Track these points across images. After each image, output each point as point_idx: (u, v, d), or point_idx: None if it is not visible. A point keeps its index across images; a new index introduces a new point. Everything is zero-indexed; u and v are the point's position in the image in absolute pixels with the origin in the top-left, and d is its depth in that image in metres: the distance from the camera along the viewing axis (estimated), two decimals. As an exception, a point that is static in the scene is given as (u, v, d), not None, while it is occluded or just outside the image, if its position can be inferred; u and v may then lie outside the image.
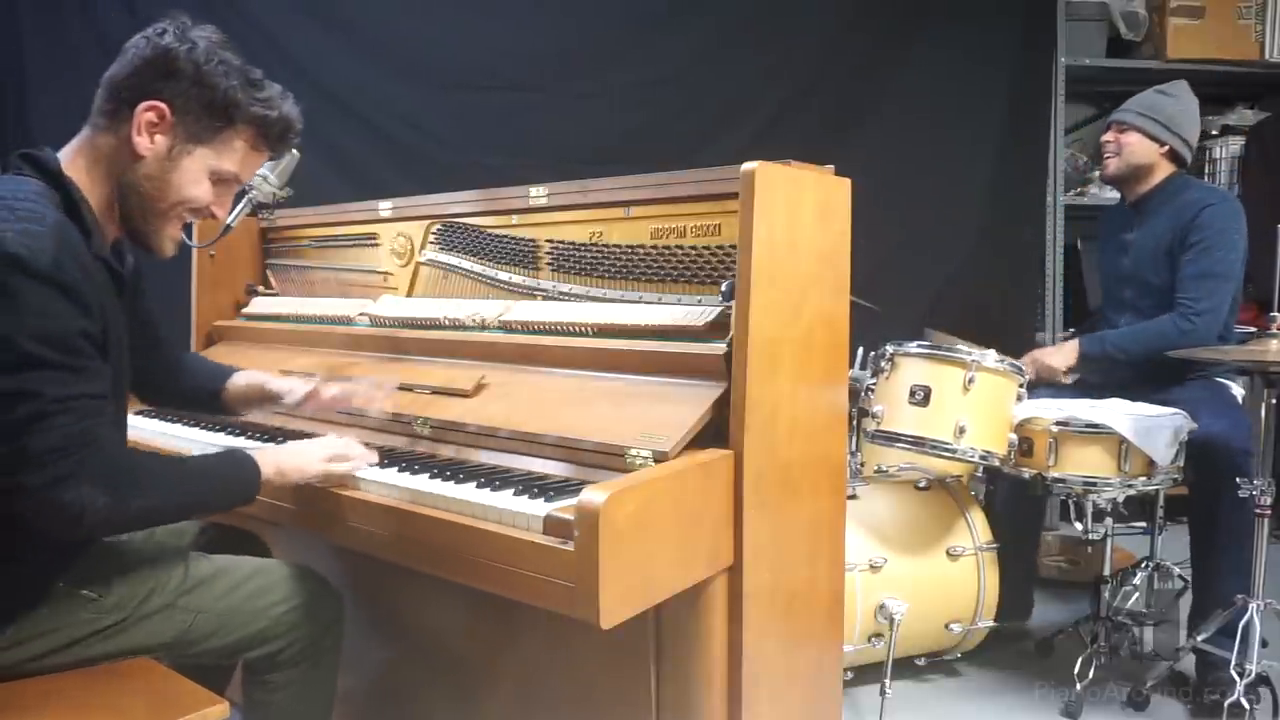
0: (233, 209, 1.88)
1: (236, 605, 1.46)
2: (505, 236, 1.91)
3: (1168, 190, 2.59)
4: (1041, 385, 2.58)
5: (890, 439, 2.25)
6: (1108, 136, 2.65)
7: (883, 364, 2.29)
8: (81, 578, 1.37)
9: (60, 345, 1.18)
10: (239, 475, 1.41)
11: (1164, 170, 2.59)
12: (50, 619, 1.34)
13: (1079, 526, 2.31)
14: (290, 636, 1.48)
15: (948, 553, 2.43)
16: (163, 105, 1.32)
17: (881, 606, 2.28)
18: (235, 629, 1.45)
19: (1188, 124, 2.60)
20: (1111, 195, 3.58)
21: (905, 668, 2.49)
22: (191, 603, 1.43)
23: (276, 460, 1.46)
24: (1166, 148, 2.57)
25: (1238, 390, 2.55)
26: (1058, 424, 2.21)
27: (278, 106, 1.41)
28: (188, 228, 2.02)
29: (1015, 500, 2.62)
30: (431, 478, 1.49)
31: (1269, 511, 2.12)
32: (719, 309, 1.53)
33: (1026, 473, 2.28)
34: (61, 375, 1.18)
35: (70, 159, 1.34)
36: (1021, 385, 2.27)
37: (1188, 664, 2.37)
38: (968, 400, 2.18)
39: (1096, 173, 3.84)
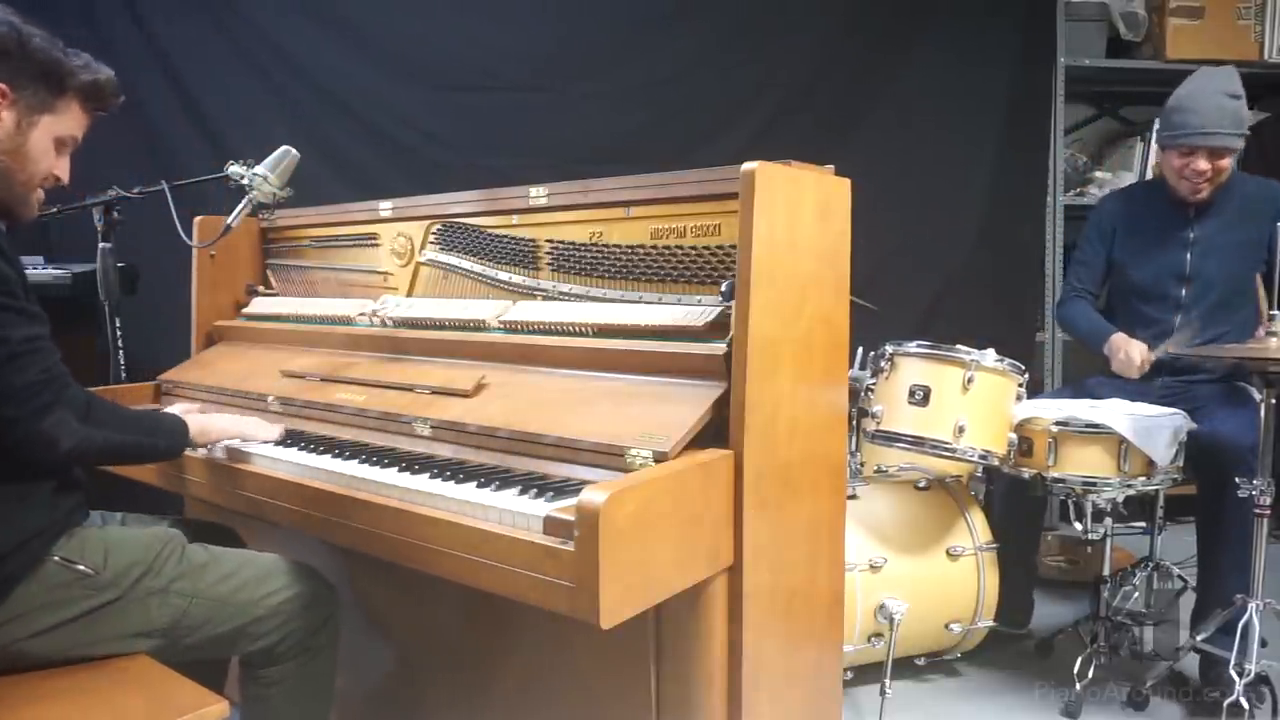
0: (234, 209, 1.87)
1: (231, 593, 1.47)
2: (505, 236, 1.91)
3: (1232, 183, 2.53)
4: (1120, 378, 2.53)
5: (890, 439, 2.25)
6: (1202, 166, 2.43)
7: (882, 364, 2.29)
8: (75, 553, 1.40)
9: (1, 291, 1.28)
10: (173, 427, 1.59)
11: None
12: (44, 594, 1.36)
13: (1079, 526, 2.31)
14: (286, 629, 1.49)
15: (948, 553, 2.43)
16: (1, 85, 1.38)
17: (881, 606, 2.28)
18: (230, 618, 1.46)
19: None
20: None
21: (905, 668, 2.49)
22: (186, 588, 1.45)
23: (198, 422, 1.66)
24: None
25: (1255, 393, 2.54)
26: (1057, 424, 2.21)
27: (97, 69, 1.51)
28: (186, 226, 2.02)
29: (1013, 503, 2.60)
30: (431, 477, 1.49)
31: (1268, 511, 2.12)
32: (719, 309, 1.52)
33: (1026, 473, 2.29)
34: (15, 318, 1.29)
35: None
36: (1021, 385, 2.27)
37: (1188, 664, 2.37)
38: (967, 400, 2.18)
39: (1097, 173, 3.84)
